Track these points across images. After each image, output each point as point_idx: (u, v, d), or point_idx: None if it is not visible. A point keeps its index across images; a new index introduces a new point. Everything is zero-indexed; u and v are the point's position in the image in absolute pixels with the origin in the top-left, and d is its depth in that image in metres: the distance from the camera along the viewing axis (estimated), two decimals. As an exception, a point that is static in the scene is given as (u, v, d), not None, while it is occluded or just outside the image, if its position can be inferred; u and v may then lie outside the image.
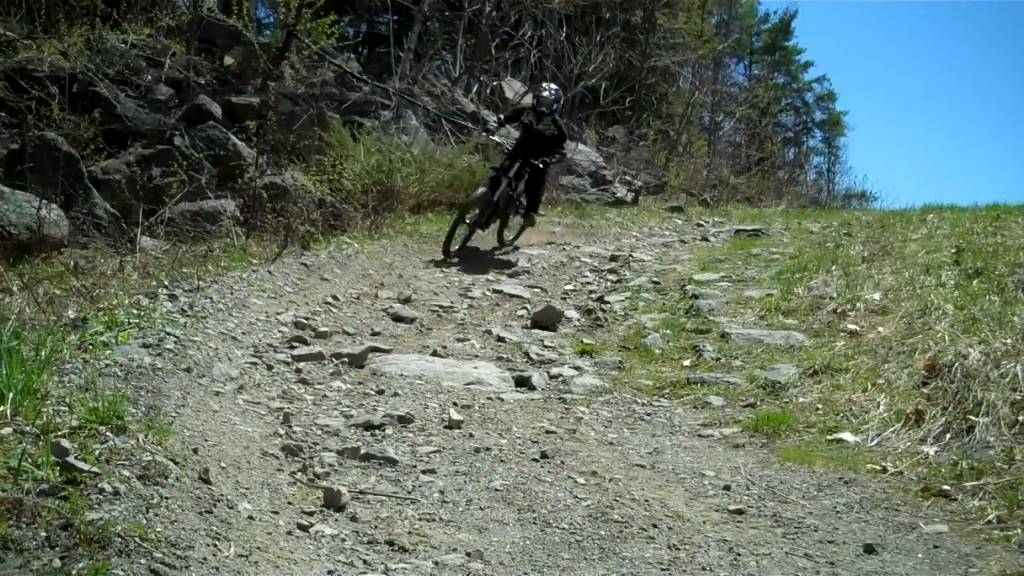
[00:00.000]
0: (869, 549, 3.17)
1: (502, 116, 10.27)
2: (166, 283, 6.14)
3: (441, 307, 7.34)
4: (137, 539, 2.08)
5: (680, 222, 13.48)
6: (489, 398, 4.96)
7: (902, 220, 10.04)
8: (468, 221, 9.33)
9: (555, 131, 9.53)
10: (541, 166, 9.40)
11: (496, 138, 9.82)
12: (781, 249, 9.78)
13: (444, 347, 6.09)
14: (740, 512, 3.54)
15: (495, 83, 16.78)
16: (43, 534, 2.01)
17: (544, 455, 4.04)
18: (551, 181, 11.14)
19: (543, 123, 9.49)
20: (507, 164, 9.29)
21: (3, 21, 9.39)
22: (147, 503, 2.37)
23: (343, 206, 9.76)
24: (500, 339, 6.42)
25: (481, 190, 9.17)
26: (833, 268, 7.42)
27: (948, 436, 4.18)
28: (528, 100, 17.14)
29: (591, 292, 8.11)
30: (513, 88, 17.02)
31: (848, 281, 6.91)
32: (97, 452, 2.61)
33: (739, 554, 3.09)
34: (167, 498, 2.49)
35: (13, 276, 6.37)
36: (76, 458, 2.50)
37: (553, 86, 10.04)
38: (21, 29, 9.49)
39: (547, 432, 4.43)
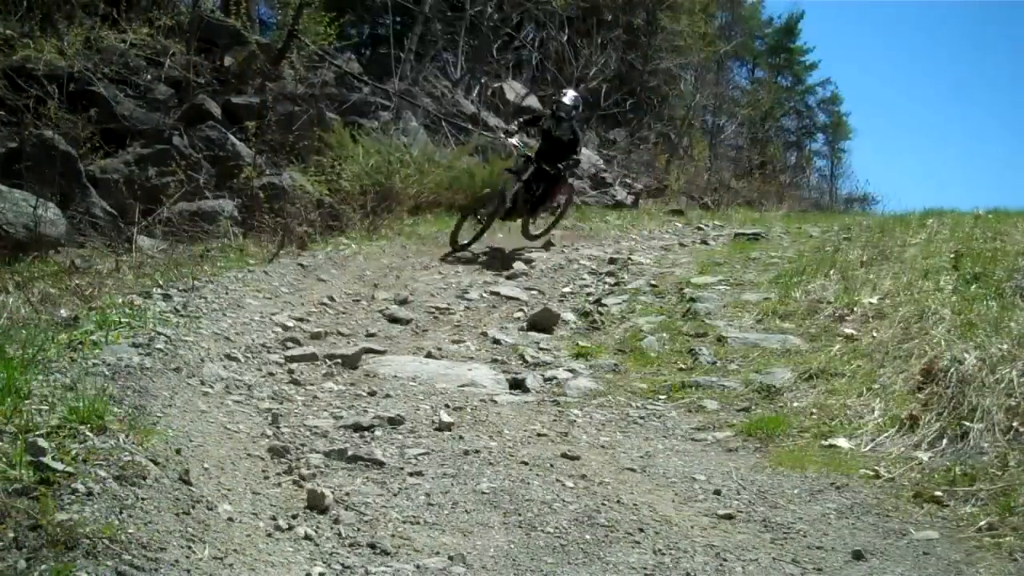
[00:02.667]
0: (858, 555, 3.13)
1: (521, 119, 10.30)
2: (160, 283, 6.12)
3: (438, 309, 7.31)
4: (106, 540, 2.05)
5: (680, 225, 13.44)
6: (482, 400, 4.93)
7: (902, 224, 9.99)
8: (479, 216, 9.44)
9: (571, 136, 9.62)
10: (553, 172, 9.48)
11: (514, 141, 9.73)
12: (780, 253, 9.72)
13: (439, 349, 6.06)
14: (729, 517, 3.50)
15: (496, 85, 16.77)
16: (11, 535, 1.98)
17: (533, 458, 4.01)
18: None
19: (561, 128, 9.57)
20: (523, 167, 9.44)
21: (1, 19, 9.39)
22: (121, 504, 2.34)
23: (341, 207, 9.76)
24: (496, 341, 6.39)
25: (500, 189, 9.46)
26: (831, 272, 7.37)
27: (943, 441, 4.14)
28: (534, 103, 17.28)
29: (589, 295, 8.08)
30: (514, 90, 17.00)
31: (846, 285, 6.87)
32: (75, 452, 2.59)
33: (725, 559, 3.05)
34: (143, 499, 2.46)
35: (8, 275, 6.36)
36: (53, 458, 2.47)
37: (573, 92, 10.09)
38: (20, 27, 9.48)
39: (539, 435, 4.39)
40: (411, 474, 3.68)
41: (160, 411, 3.53)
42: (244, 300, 6.10)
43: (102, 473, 2.48)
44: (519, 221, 9.90)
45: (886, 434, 4.34)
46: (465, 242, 9.34)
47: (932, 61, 68.85)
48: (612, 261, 9.74)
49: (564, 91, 10.22)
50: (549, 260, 9.76)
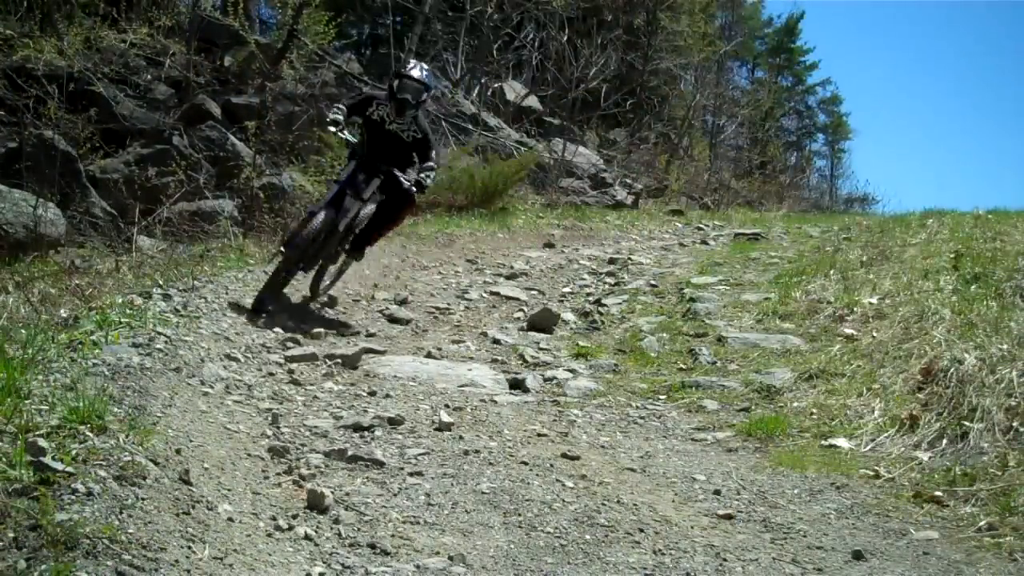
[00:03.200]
0: (858, 555, 3.13)
1: (345, 103, 6.52)
2: (161, 283, 6.12)
3: (437, 309, 7.31)
4: (106, 540, 2.05)
5: (680, 225, 13.46)
6: (482, 400, 4.92)
7: (902, 225, 9.99)
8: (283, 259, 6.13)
9: (417, 134, 6.45)
10: (415, 189, 6.33)
11: (346, 134, 6.36)
12: (780, 253, 9.74)
13: (439, 349, 6.06)
14: (729, 517, 3.50)
15: (496, 85, 16.78)
16: (11, 535, 1.98)
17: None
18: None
19: (403, 120, 6.36)
20: (362, 179, 6.21)
21: (1, 19, 9.39)
22: (121, 504, 2.34)
23: (341, 207, 9.73)
24: (496, 341, 6.39)
25: (321, 214, 6.05)
26: (831, 272, 7.38)
27: (943, 441, 4.14)
28: (534, 103, 17.23)
29: (589, 295, 8.09)
30: (514, 90, 17.01)
31: (846, 285, 6.87)
32: (75, 452, 2.59)
33: (725, 559, 3.05)
34: (143, 499, 2.46)
35: (8, 275, 6.36)
36: (53, 458, 2.47)
37: (424, 66, 6.74)
38: (20, 27, 9.49)
39: (539, 435, 4.39)
40: (411, 474, 3.68)
41: (160, 411, 3.53)
42: (244, 300, 6.09)
43: (102, 473, 2.48)
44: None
45: (886, 434, 4.34)
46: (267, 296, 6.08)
47: (932, 61, 68.91)
48: (612, 261, 9.76)
49: (412, 62, 6.81)
50: (549, 260, 9.77)
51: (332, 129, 6.28)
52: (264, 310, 5.99)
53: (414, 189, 6.32)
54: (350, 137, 6.46)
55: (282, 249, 6.18)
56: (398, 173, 6.30)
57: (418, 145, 6.45)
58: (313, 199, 9.37)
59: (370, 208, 6.46)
